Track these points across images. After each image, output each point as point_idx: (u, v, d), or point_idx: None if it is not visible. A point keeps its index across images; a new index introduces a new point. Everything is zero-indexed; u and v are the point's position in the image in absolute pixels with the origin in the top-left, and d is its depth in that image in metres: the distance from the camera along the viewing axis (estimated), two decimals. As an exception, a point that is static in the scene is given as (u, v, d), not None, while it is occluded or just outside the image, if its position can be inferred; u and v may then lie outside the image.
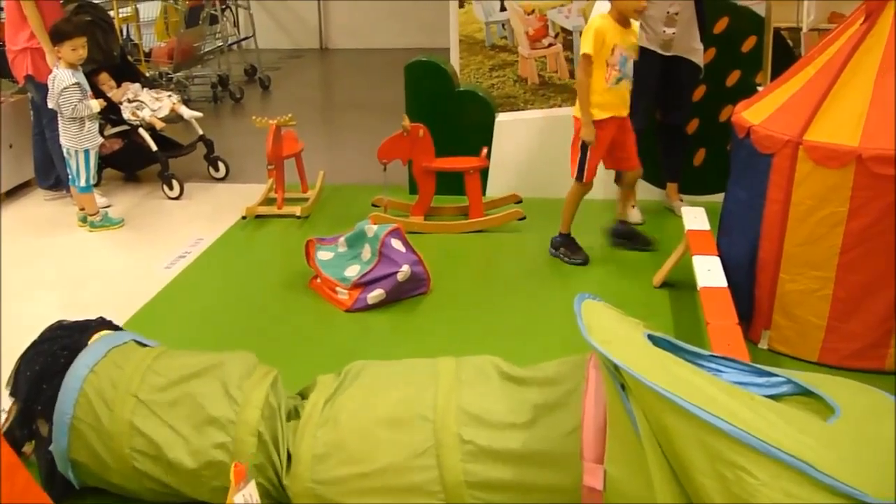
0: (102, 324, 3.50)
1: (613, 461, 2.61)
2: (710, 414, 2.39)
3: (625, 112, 5.15)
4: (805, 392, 2.77)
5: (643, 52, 5.52)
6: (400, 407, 3.00)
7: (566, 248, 5.43)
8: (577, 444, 2.74)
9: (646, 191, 6.12)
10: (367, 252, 5.00)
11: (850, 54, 4.03)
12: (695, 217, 4.87)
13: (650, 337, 2.81)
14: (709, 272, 4.17)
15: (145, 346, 3.37)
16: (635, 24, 5.10)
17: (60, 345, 3.26)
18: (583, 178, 5.24)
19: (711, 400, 2.44)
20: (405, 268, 4.83)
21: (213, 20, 10.56)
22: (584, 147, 5.14)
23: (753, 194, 4.21)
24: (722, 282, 4.08)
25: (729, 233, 4.51)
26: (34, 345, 3.31)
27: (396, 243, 4.93)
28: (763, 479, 2.33)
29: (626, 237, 5.56)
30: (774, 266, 4.16)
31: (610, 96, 5.06)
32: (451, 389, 3.00)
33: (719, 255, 4.38)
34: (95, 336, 3.33)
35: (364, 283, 4.84)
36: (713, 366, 2.91)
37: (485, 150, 6.04)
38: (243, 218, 6.19)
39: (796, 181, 3.99)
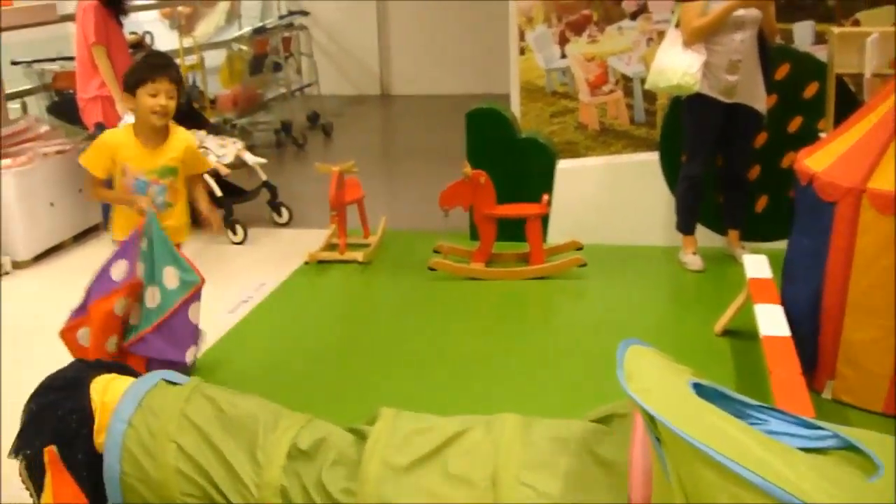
0: (89, 368, 3.44)
1: None
2: (741, 466, 2.37)
3: None
4: (851, 447, 2.75)
5: (704, 98, 5.54)
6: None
7: None
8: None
9: (707, 238, 6.09)
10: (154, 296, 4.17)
11: (913, 101, 4.02)
12: (757, 265, 4.83)
13: (696, 385, 2.79)
14: (771, 321, 4.14)
15: (175, 383, 3.35)
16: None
17: (65, 409, 3.20)
18: None
19: (746, 451, 2.42)
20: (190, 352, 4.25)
21: (277, 68, 10.72)
22: None
23: (817, 242, 4.18)
24: (785, 331, 4.04)
25: (792, 281, 4.47)
26: (33, 419, 3.25)
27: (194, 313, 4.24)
28: None
29: None
30: (838, 315, 4.12)
31: None
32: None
33: (782, 304, 4.34)
34: (116, 384, 3.29)
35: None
36: (760, 416, 2.88)
37: (546, 197, 6.05)
38: (306, 263, 6.26)
39: (860, 229, 3.97)
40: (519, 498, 2.86)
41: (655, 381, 2.69)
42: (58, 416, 3.18)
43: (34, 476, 3.13)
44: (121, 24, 6.86)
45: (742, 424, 2.56)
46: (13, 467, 3.46)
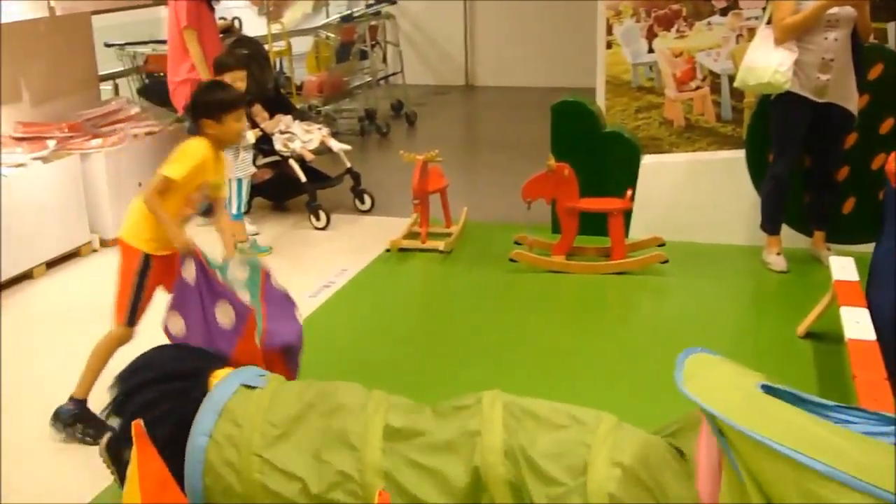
0: (210, 359, 3.53)
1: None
2: (803, 454, 2.35)
3: None
4: None
5: (794, 97, 5.47)
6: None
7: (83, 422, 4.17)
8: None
9: (792, 238, 6.01)
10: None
11: None
12: (843, 267, 4.76)
13: (765, 387, 2.77)
14: (857, 324, 4.08)
15: (254, 387, 3.35)
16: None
17: (191, 399, 3.28)
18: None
19: (816, 441, 2.40)
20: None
21: (363, 56, 10.80)
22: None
23: (905, 246, 4.12)
24: (871, 335, 3.98)
25: (878, 285, 4.40)
26: (148, 383, 3.33)
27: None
28: None
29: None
30: (925, 320, 4.06)
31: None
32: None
33: (868, 308, 4.28)
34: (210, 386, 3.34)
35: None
36: (841, 416, 2.85)
37: (629, 192, 6.02)
38: (387, 251, 6.32)
39: (951, 234, 3.90)
40: (610, 475, 2.89)
41: (717, 382, 2.70)
42: (185, 406, 3.25)
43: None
44: (212, 9, 6.97)
45: (812, 416, 2.55)
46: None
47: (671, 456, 2.96)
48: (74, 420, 4.10)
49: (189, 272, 3.83)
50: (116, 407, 3.37)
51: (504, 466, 3.00)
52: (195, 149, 4.15)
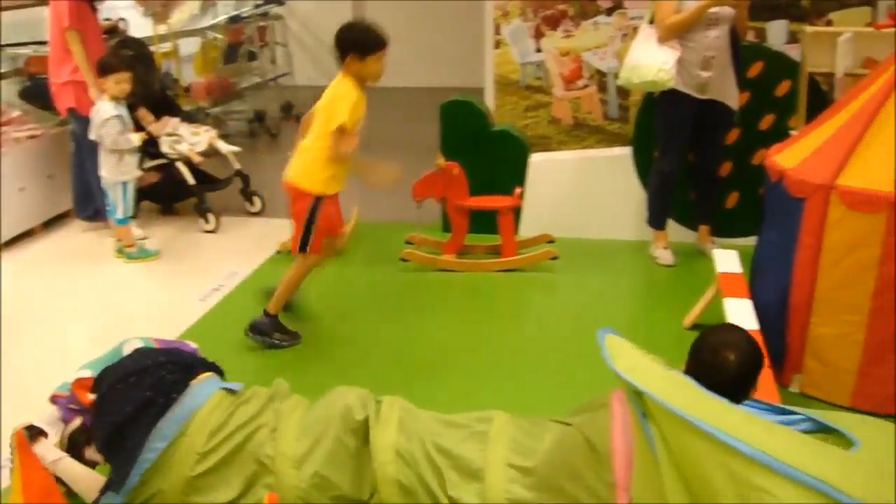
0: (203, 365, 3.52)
1: (638, 489, 2.65)
2: (733, 437, 2.42)
3: None
4: (824, 429, 2.79)
5: (677, 94, 5.56)
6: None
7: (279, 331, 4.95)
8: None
9: (678, 233, 6.13)
10: None
11: (883, 100, 4.06)
12: (726, 260, 4.87)
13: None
14: (740, 315, 4.17)
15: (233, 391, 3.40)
16: None
17: (173, 376, 3.29)
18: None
19: (734, 425, 2.47)
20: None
21: (252, 57, 10.69)
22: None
23: (786, 238, 4.22)
24: (753, 325, 4.07)
25: (761, 276, 4.52)
26: (138, 372, 3.30)
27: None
28: (784, 501, 2.36)
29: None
30: (806, 310, 4.16)
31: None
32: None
33: (751, 299, 4.38)
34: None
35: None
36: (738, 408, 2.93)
37: (518, 190, 6.07)
38: (277, 252, 6.27)
39: (828, 226, 4.01)
40: (506, 477, 2.92)
41: (638, 362, 2.75)
42: (161, 376, 3.26)
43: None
44: (95, 10, 6.82)
45: (724, 400, 2.61)
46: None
47: (580, 442, 2.98)
48: (273, 329, 4.84)
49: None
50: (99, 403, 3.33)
51: (394, 465, 2.99)
52: (347, 90, 4.60)
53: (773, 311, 4.28)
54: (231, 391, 3.38)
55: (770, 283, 4.37)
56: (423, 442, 3.07)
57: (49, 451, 3.35)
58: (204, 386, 3.31)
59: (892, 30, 4.29)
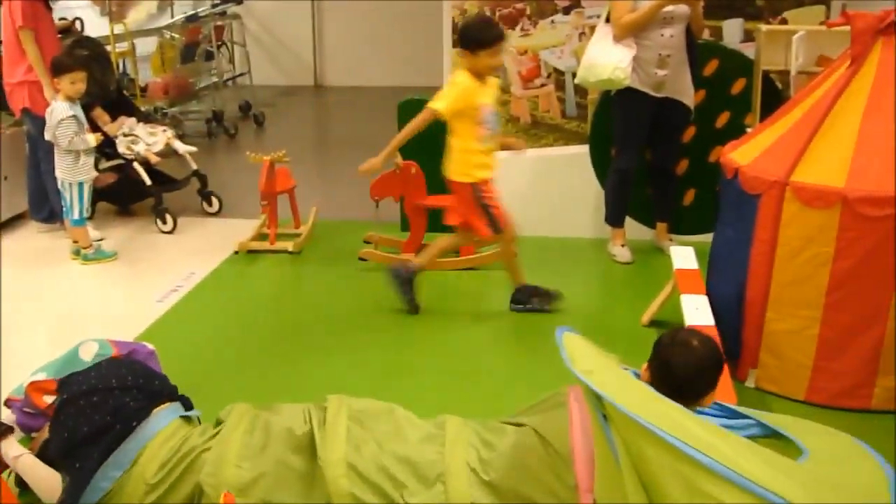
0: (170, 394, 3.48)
1: (601, 490, 2.67)
2: (687, 445, 2.45)
3: None
4: (774, 434, 2.83)
5: (634, 93, 5.60)
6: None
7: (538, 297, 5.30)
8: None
9: (635, 230, 6.16)
10: None
11: (836, 97, 4.10)
12: (683, 256, 4.90)
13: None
14: (696, 311, 4.21)
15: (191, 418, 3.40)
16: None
17: (138, 404, 3.26)
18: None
19: (688, 432, 2.50)
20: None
21: (209, 56, 10.64)
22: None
23: (741, 234, 4.26)
24: (709, 320, 4.11)
25: (717, 272, 4.55)
26: (104, 391, 3.26)
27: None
28: None
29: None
30: (762, 305, 4.20)
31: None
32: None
33: (707, 295, 4.42)
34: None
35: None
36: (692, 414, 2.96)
37: (476, 188, 6.07)
38: (236, 253, 6.23)
39: (783, 222, 4.05)
40: (468, 481, 2.92)
41: (596, 364, 2.76)
42: (125, 402, 3.22)
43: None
44: (50, 9, 6.76)
45: (681, 407, 2.64)
46: None
47: (537, 443, 2.99)
48: (530, 296, 5.24)
49: None
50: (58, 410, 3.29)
51: (347, 479, 2.98)
52: (454, 81, 4.97)
53: (729, 306, 4.32)
54: (189, 419, 3.37)
55: (726, 279, 4.41)
56: (376, 451, 3.06)
57: (12, 447, 3.33)
58: (163, 416, 3.28)
59: (845, 28, 4.33)
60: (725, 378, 3.53)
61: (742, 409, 3.00)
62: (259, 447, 3.15)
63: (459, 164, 5.07)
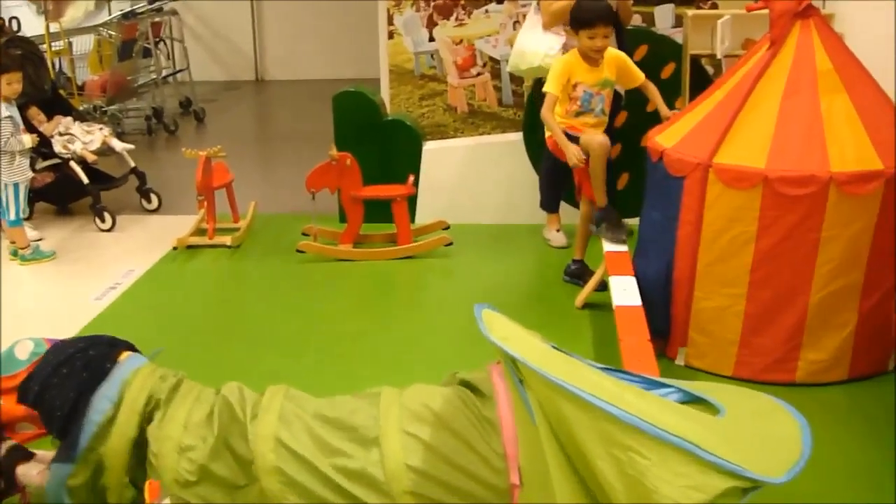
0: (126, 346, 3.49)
1: (524, 461, 2.75)
2: (603, 401, 2.53)
3: None
4: (695, 399, 2.91)
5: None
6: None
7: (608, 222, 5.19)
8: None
9: (570, 215, 6.22)
10: None
11: (756, 79, 4.19)
12: (613, 239, 5.00)
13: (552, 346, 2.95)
14: (624, 291, 4.29)
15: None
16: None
17: (91, 367, 3.26)
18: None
19: (605, 390, 2.59)
20: None
21: (147, 53, 10.57)
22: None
23: (667, 216, 4.34)
24: (636, 301, 4.19)
25: (645, 254, 4.64)
26: (65, 361, 3.27)
27: None
28: (653, 460, 2.51)
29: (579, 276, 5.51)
30: (689, 285, 4.29)
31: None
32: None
33: (636, 276, 4.50)
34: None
35: None
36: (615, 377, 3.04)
37: (411, 178, 6.14)
38: (174, 249, 6.23)
39: (707, 203, 4.13)
40: (402, 444, 2.96)
41: (513, 333, 2.84)
42: (89, 356, 3.26)
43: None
44: (-21, 9, 6.73)
45: (595, 368, 2.73)
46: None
47: (466, 404, 3.03)
48: (602, 220, 5.13)
49: None
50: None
51: (275, 453, 3.01)
52: (558, 61, 5.14)
53: (657, 286, 4.40)
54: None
55: (654, 261, 4.48)
56: (309, 421, 3.08)
57: (31, 468, 3.34)
58: (133, 358, 3.32)
59: (766, 11, 4.43)
60: (650, 355, 3.63)
61: (662, 380, 3.08)
62: (205, 417, 3.18)
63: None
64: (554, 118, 5.04)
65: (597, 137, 5.01)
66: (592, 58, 5.04)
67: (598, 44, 4.98)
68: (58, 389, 3.21)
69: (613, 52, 5.16)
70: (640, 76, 5.24)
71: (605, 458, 2.55)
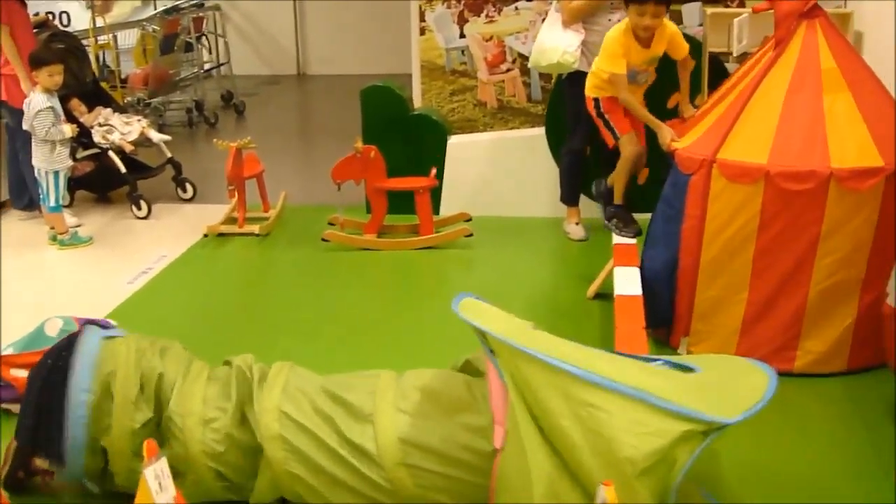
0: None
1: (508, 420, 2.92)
2: (562, 361, 2.71)
3: None
4: (679, 367, 3.06)
5: (583, 76, 5.73)
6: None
7: (619, 219, 5.29)
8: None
9: (589, 208, 6.31)
10: None
11: (761, 78, 4.29)
12: (623, 232, 5.13)
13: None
14: (626, 282, 4.41)
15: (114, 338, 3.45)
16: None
17: (54, 353, 3.35)
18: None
19: (564, 353, 2.78)
20: None
21: (189, 48, 10.79)
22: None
23: (674, 210, 4.45)
24: (636, 291, 4.32)
25: (652, 245, 4.73)
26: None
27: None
28: (612, 412, 2.68)
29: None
30: (692, 276, 4.40)
31: None
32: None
33: (644, 267, 4.62)
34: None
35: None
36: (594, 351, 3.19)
37: (434, 171, 6.28)
38: (205, 236, 6.43)
39: (711, 197, 4.24)
40: (396, 421, 3.12)
41: (490, 315, 3.02)
42: (55, 346, 3.39)
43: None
44: (24, 4, 6.94)
45: (569, 342, 2.90)
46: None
47: (459, 381, 3.23)
48: (613, 216, 5.23)
49: None
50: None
51: (278, 423, 3.17)
52: (611, 40, 4.99)
53: (662, 278, 4.52)
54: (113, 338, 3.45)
55: (661, 253, 4.59)
56: (312, 395, 3.24)
57: None
58: (87, 335, 3.39)
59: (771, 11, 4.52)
60: (642, 342, 3.77)
61: (651, 356, 3.24)
62: (220, 392, 3.33)
63: (591, 78, 5.18)
64: (633, 99, 5.07)
65: (636, 148, 5.21)
66: (642, 38, 4.98)
67: (645, 21, 4.87)
68: (29, 386, 3.30)
69: (668, 27, 5.09)
70: (684, 50, 5.19)
71: (569, 417, 2.71)
